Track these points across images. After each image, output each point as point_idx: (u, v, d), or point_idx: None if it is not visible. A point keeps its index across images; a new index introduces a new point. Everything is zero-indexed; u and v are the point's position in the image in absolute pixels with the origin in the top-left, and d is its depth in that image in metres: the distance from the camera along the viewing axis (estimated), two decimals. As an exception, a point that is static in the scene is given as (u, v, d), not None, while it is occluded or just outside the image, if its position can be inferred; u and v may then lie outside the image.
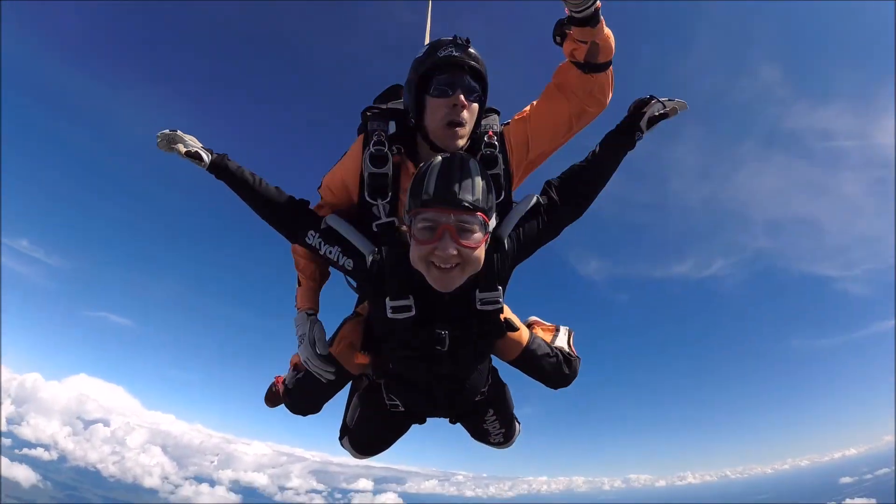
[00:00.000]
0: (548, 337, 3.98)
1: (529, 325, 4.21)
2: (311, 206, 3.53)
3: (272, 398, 4.13)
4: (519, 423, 4.32)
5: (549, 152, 3.60)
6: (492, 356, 3.75)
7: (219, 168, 3.34)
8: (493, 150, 3.29)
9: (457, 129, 3.16)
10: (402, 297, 2.99)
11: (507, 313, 3.55)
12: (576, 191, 3.32)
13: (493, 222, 2.88)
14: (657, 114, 3.29)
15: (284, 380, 3.96)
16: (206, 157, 3.30)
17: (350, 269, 3.18)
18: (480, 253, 2.80)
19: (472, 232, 2.72)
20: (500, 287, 3.06)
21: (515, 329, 3.51)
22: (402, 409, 3.79)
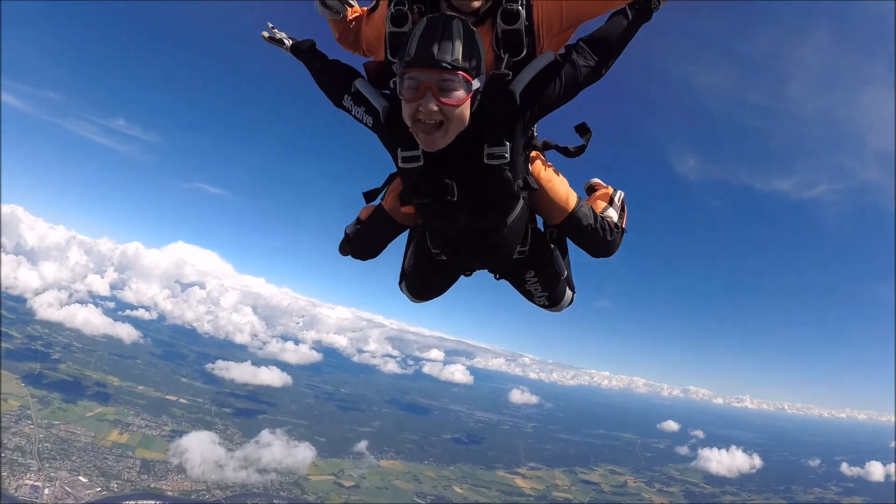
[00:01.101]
0: (601, 205, 4.15)
1: (590, 189, 4.57)
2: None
3: (343, 247, 4.59)
4: (574, 292, 4.51)
5: (585, 17, 3.49)
6: (537, 216, 4.10)
7: (297, 50, 4.12)
8: (514, 4, 3.26)
9: None
10: (411, 148, 3.24)
11: (545, 172, 3.82)
12: (594, 53, 3.39)
13: (477, 82, 2.96)
14: None
15: (346, 229, 4.51)
16: (287, 42, 4.20)
17: (370, 125, 3.53)
18: (464, 110, 2.97)
19: (454, 90, 2.87)
20: (507, 142, 3.18)
21: (534, 188, 3.59)
22: (446, 259, 4.11)
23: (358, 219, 4.44)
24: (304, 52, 4.10)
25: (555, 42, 3.46)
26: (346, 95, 3.67)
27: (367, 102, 3.51)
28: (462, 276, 4.53)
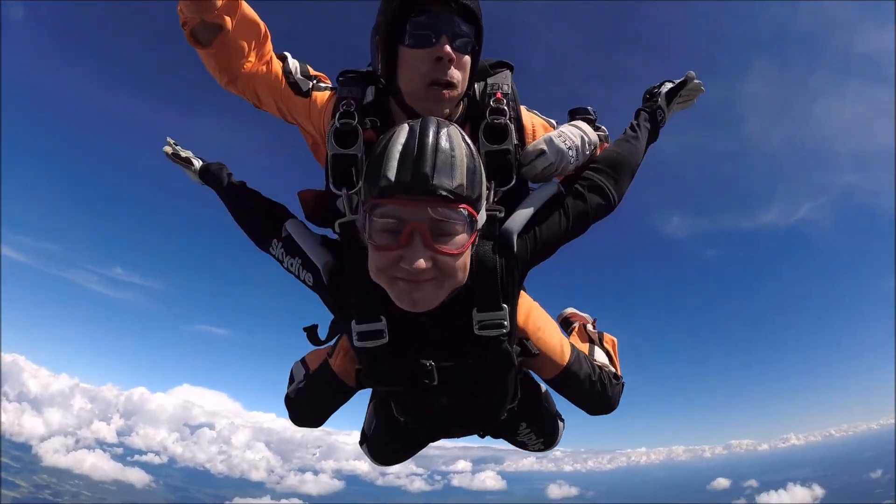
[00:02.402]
0: (585, 347, 3.44)
1: (565, 321, 3.94)
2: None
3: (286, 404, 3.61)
4: (562, 422, 3.58)
5: None
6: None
7: (207, 173, 3.27)
8: (502, 117, 2.46)
9: (443, 90, 2.36)
10: (371, 320, 2.26)
11: (532, 318, 2.76)
12: (604, 180, 2.62)
13: (482, 217, 2.10)
14: (674, 83, 3.04)
15: (292, 374, 3.49)
16: (196, 162, 3.38)
17: (311, 284, 2.53)
18: (465, 261, 2.03)
19: (453, 233, 1.93)
20: (505, 305, 2.27)
21: (534, 354, 2.65)
22: (416, 428, 3.17)
23: (304, 365, 3.40)
24: (217, 178, 3.20)
25: None
26: (273, 241, 2.68)
27: (304, 255, 2.51)
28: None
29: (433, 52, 2.27)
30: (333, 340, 2.91)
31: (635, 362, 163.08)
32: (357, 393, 3.14)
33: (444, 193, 1.84)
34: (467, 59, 2.38)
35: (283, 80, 2.72)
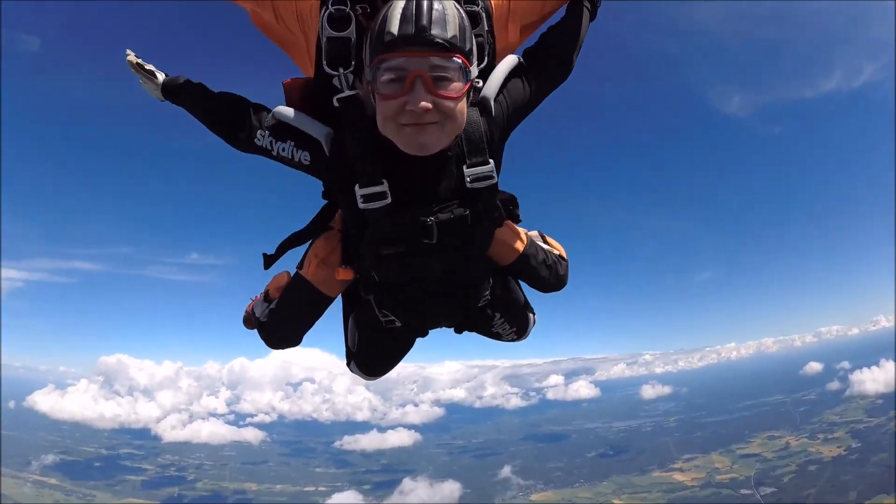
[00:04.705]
0: (537, 236, 3.59)
1: None
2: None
3: (248, 320, 3.73)
4: (533, 314, 3.76)
5: (529, 31, 3.22)
6: None
7: (172, 85, 3.14)
8: (474, 6, 2.80)
9: None
10: (374, 183, 2.52)
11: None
12: (557, 50, 2.97)
13: (475, 70, 2.45)
14: None
15: (253, 310, 3.64)
16: (159, 75, 3.20)
17: (307, 163, 2.72)
18: (462, 106, 2.39)
19: (450, 79, 2.28)
20: (491, 160, 2.61)
21: (517, 218, 3.14)
22: (400, 325, 3.29)
23: (266, 294, 3.59)
24: (181, 86, 3.12)
25: (510, 46, 3.10)
26: (258, 132, 2.81)
27: (298, 134, 2.71)
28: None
29: None
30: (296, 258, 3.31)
31: (715, 256, 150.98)
32: (331, 305, 3.47)
33: (441, 42, 2.20)
34: None
35: None
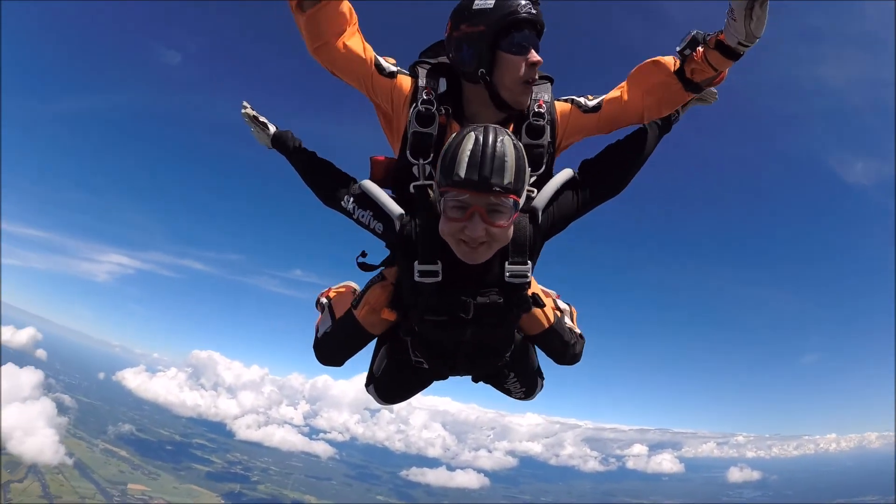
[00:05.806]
0: (558, 314, 3.88)
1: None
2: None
3: (317, 331, 4.16)
4: (542, 379, 4.24)
5: (605, 131, 3.52)
6: None
7: (279, 139, 3.75)
8: (541, 120, 3.28)
9: (531, 87, 3.20)
10: (430, 262, 3.03)
11: (535, 287, 3.51)
12: (613, 170, 3.38)
13: (523, 198, 2.88)
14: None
15: (319, 325, 4.01)
16: (271, 127, 3.83)
17: (380, 232, 3.25)
18: (509, 231, 2.85)
19: (503, 213, 2.73)
20: (529, 261, 3.09)
21: (542, 305, 3.46)
22: (427, 367, 3.75)
23: (331, 312, 3.93)
24: (290, 142, 3.73)
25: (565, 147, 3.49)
26: (346, 196, 3.38)
27: (377, 207, 3.25)
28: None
29: (530, 58, 3.07)
30: (376, 274, 3.61)
31: (822, 341, 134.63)
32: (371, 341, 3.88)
33: (498, 189, 2.64)
34: None
35: (372, 61, 3.24)
